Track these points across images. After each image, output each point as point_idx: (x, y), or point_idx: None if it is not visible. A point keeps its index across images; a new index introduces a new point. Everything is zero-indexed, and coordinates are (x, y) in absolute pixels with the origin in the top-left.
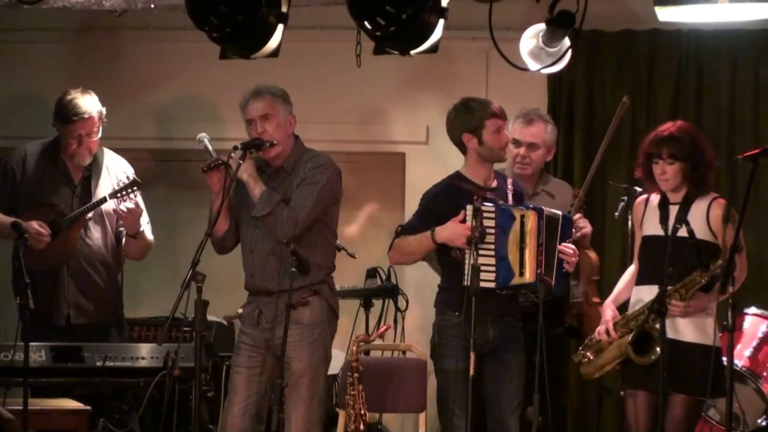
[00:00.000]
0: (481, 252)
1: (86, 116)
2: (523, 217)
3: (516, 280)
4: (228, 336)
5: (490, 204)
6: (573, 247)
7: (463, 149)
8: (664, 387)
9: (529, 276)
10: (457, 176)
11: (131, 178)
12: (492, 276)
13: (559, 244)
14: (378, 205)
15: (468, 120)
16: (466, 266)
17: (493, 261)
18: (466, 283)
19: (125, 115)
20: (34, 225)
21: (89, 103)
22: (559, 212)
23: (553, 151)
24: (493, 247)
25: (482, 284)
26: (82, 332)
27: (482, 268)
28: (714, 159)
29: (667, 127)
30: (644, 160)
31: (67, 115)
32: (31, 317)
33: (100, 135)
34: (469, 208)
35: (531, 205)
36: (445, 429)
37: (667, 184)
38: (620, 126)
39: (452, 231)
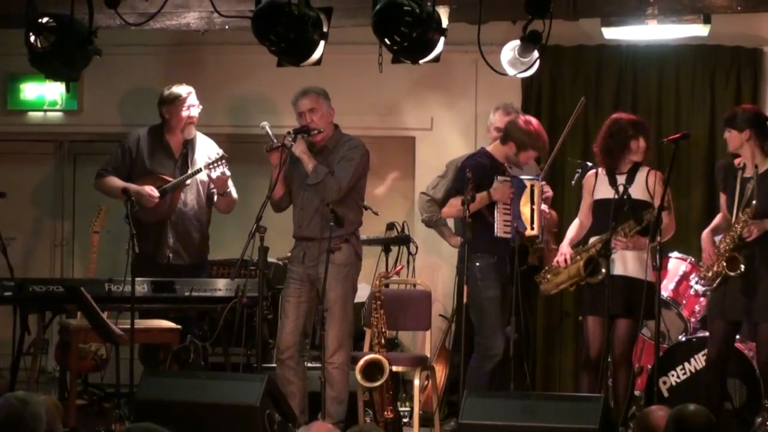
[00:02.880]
0: (505, 210)
1: (186, 94)
2: (532, 186)
3: (528, 233)
4: (283, 273)
5: (507, 177)
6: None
7: (504, 142)
8: (611, 310)
9: (536, 230)
10: (483, 153)
11: (220, 153)
12: (509, 229)
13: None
14: (395, 176)
15: (523, 139)
16: (497, 222)
17: (510, 218)
18: (496, 233)
19: (207, 108)
20: (147, 189)
21: (184, 87)
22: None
23: None
24: (509, 208)
25: (503, 235)
26: (178, 270)
27: (506, 222)
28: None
29: (630, 116)
30: (620, 140)
31: (175, 97)
32: (141, 258)
33: (199, 110)
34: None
35: (534, 176)
36: (486, 337)
37: (640, 155)
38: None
39: (501, 190)
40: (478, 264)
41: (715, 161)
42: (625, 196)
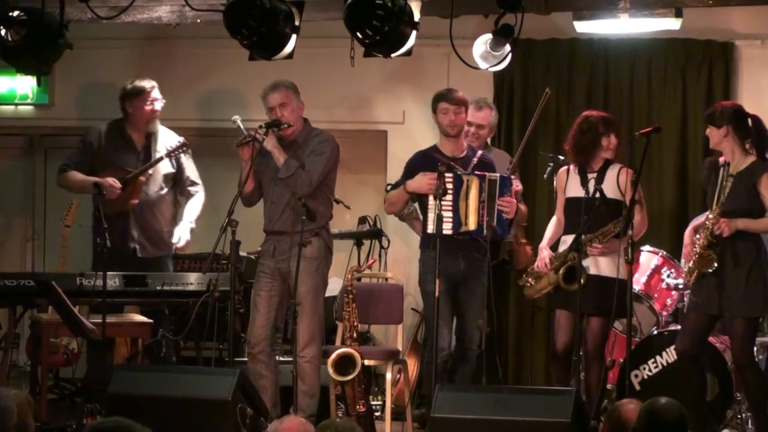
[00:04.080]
0: (444, 206)
1: (150, 87)
2: (468, 180)
3: (463, 228)
4: (255, 267)
5: (450, 172)
6: (509, 199)
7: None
8: (584, 308)
9: (471, 225)
10: (433, 148)
11: (181, 141)
12: (450, 224)
13: (499, 198)
14: (367, 170)
15: (432, 103)
16: (430, 217)
17: (451, 214)
18: (430, 230)
19: (178, 102)
20: (109, 180)
21: (147, 81)
22: (498, 175)
23: (495, 130)
24: (451, 204)
25: (444, 231)
26: (145, 263)
27: (445, 218)
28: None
29: (600, 113)
30: (591, 137)
31: (139, 91)
32: (110, 251)
33: (163, 104)
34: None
35: (476, 172)
36: (429, 331)
37: (611, 152)
38: (547, 111)
39: (418, 182)
40: (421, 259)
41: (687, 155)
42: (597, 195)
